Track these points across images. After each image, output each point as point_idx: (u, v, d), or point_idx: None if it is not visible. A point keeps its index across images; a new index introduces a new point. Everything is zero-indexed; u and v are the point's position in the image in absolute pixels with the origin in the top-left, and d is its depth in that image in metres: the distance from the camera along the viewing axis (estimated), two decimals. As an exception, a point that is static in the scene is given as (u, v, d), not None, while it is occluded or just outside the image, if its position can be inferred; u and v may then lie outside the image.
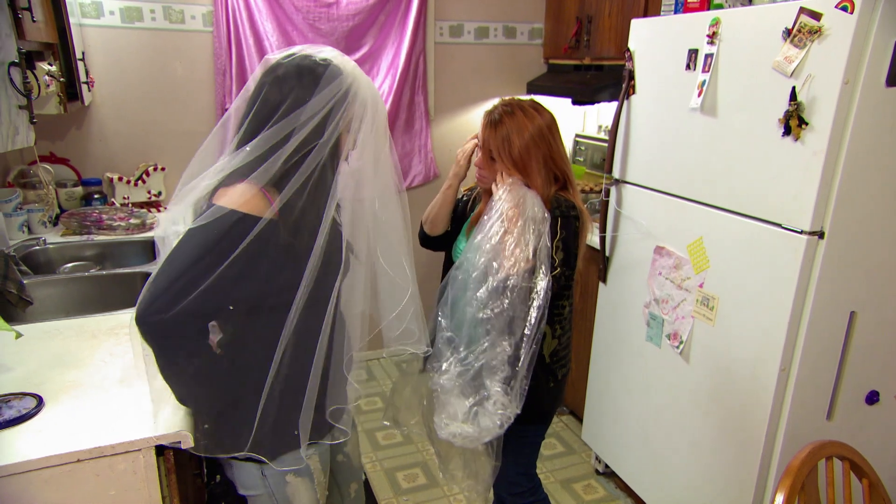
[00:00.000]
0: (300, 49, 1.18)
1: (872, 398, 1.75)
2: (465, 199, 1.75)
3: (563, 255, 1.49)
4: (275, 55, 1.18)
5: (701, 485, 1.94)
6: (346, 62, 1.18)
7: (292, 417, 1.18)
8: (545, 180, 1.50)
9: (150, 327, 1.05)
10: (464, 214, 1.73)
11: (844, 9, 1.40)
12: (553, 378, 1.60)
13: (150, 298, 1.03)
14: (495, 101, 1.58)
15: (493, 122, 1.51)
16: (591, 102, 2.87)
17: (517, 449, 1.64)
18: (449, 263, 1.72)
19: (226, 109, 2.80)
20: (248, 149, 1.11)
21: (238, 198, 1.08)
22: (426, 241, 1.76)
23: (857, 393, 1.73)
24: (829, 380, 1.68)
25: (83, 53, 2.44)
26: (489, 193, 1.61)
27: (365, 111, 1.16)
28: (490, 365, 1.41)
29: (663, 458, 2.08)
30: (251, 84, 1.17)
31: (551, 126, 1.52)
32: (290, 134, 1.09)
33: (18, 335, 1.35)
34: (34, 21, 1.78)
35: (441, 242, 1.74)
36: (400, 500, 2.34)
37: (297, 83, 1.12)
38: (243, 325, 1.16)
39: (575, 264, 1.52)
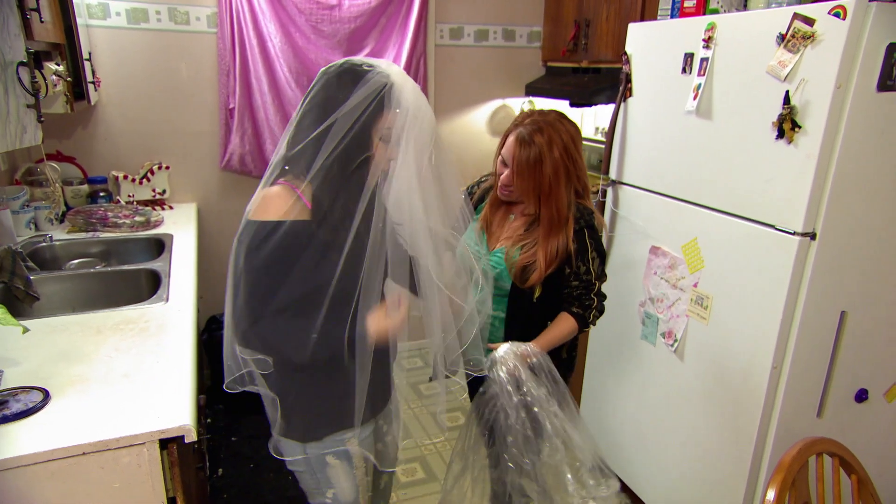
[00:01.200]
0: (368, 60, 1.22)
1: (862, 396, 1.77)
2: (470, 195, 1.74)
3: (598, 261, 1.57)
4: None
5: (694, 480, 1.97)
6: (392, 69, 1.18)
7: (335, 403, 1.26)
8: (570, 202, 1.52)
9: (249, 342, 1.22)
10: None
11: (837, 15, 1.42)
12: (570, 369, 1.72)
13: (237, 321, 1.20)
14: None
15: (524, 140, 1.47)
16: (589, 105, 2.89)
17: None
18: None
19: (230, 109, 2.83)
20: (295, 148, 1.18)
21: (270, 205, 1.16)
22: None
23: (847, 391, 1.75)
24: (820, 378, 1.71)
25: (90, 53, 2.46)
26: (504, 203, 1.63)
27: (406, 120, 1.15)
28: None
29: (657, 454, 2.11)
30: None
31: (575, 138, 1.51)
32: (324, 133, 1.13)
33: (25, 330, 1.37)
34: (42, 21, 1.79)
35: None
36: (398, 494, 2.36)
37: (336, 83, 1.17)
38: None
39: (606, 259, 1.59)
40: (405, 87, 1.17)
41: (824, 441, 1.28)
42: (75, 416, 1.18)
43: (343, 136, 1.13)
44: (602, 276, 1.59)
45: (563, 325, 1.57)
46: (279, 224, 1.14)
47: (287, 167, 1.18)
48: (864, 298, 1.67)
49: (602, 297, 1.61)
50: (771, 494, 1.17)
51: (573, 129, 1.52)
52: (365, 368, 1.20)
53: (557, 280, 1.55)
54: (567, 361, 1.70)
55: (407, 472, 2.49)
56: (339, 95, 1.15)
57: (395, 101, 1.15)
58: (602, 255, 1.58)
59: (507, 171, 1.53)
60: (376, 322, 1.20)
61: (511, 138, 1.51)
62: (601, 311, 1.61)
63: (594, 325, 1.62)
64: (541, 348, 1.52)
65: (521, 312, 1.58)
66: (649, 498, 2.19)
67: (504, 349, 1.50)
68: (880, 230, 1.62)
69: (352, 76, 1.16)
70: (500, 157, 1.57)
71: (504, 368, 1.46)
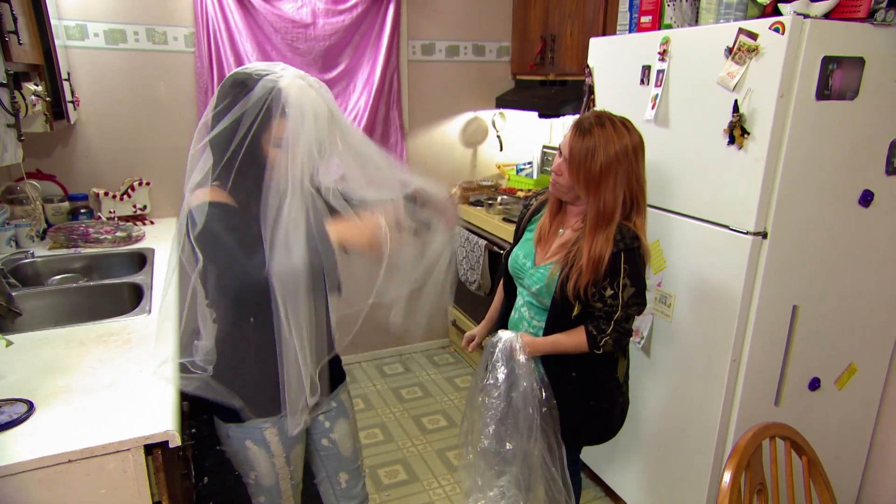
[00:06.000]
0: (264, 65, 1.23)
1: (815, 384, 1.86)
2: (524, 209, 1.73)
3: (632, 290, 1.46)
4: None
5: (661, 469, 2.04)
6: (286, 72, 1.18)
7: (257, 391, 1.32)
8: (617, 201, 1.44)
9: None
10: (522, 226, 1.70)
11: (777, 30, 1.51)
12: (625, 395, 1.68)
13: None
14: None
15: (583, 130, 1.45)
16: (556, 115, 2.98)
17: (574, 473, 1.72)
18: (508, 276, 1.70)
19: (208, 126, 2.87)
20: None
21: (203, 195, 1.26)
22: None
23: (801, 380, 1.84)
24: (776, 368, 1.79)
25: (68, 74, 2.49)
26: (558, 203, 1.59)
27: (300, 127, 1.15)
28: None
29: (626, 446, 2.17)
30: None
31: (637, 148, 1.46)
32: (216, 142, 1.21)
33: (9, 343, 1.38)
34: (20, 44, 1.82)
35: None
36: (381, 496, 2.39)
37: (229, 92, 1.20)
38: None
39: (645, 291, 1.49)
40: (294, 93, 1.15)
41: (776, 426, 1.34)
42: (61, 426, 1.19)
43: (232, 146, 1.18)
44: (630, 306, 1.47)
45: (574, 337, 1.52)
46: (217, 203, 1.23)
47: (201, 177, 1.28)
48: (813, 292, 1.76)
49: (623, 329, 1.50)
50: (727, 476, 1.22)
51: (637, 139, 1.47)
52: (290, 358, 1.24)
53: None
54: (625, 407, 1.69)
55: (390, 475, 2.52)
56: (229, 103, 1.17)
57: (278, 109, 1.15)
58: (638, 285, 1.46)
59: (559, 160, 1.51)
60: (341, 229, 1.24)
61: (570, 129, 1.48)
62: (617, 343, 1.51)
63: (603, 351, 1.51)
64: (544, 347, 1.56)
65: (559, 327, 1.55)
66: (626, 494, 2.24)
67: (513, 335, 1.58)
68: (826, 227, 1.71)
69: (242, 86, 1.17)
70: (558, 149, 1.53)
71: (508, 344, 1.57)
